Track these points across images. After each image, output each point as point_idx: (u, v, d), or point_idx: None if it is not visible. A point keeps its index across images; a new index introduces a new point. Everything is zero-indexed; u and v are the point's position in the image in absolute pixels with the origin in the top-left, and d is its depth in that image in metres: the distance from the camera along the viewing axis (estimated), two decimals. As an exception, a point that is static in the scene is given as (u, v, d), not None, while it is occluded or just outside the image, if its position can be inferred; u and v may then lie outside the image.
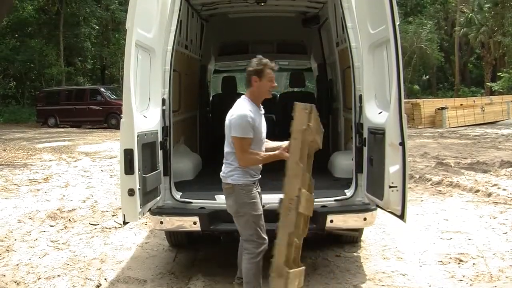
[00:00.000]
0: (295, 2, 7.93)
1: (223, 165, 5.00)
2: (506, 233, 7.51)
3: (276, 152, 4.82)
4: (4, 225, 8.28)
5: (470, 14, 44.60)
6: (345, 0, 5.90)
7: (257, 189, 4.98)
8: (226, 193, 4.98)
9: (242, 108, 4.80)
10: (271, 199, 5.44)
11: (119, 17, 39.71)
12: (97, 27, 41.99)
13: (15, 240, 7.59)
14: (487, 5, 43.13)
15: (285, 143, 4.86)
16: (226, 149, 4.96)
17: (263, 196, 5.29)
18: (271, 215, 4.94)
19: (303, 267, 4.73)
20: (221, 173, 5.00)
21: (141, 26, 5.03)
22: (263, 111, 5.02)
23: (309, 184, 4.68)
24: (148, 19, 5.29)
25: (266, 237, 4.93)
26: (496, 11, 41.10)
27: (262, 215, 4.93)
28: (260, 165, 4.98)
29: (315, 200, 5.68)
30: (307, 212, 4.62)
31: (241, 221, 4.93)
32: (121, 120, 4.85)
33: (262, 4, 7.79)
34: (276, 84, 4.98)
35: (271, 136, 5.23)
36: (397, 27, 4.68)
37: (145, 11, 5.08)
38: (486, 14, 43.26)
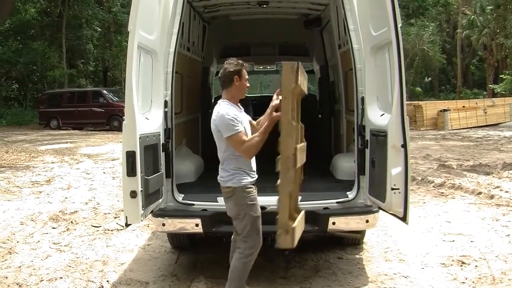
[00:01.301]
0: (297, 4, 7.94)
1: (220, 170, 5.03)
2: (508, 235, 7.49)
3: (267, 121, 4.77)
4: (6, 227, 8.29)
5: (472, 16, 44.58)
6: (347, 2, 5.90)
7: (255, 190, 5.02)
8: (226, 196, 5.02)
9: (222, 109, 4.88)
10: (272, 201, 5.45)
11: (121, 19, 39.85)
12: (99, 29, 42.11)
13: (17, 242, 7.60)
14: (489, 7, 43.12)
15: (273, 104, 4.82)
16: (220, 154, 5.02)
17: (264, 198, 5.31)
18: (272, 217, 4.94)
19: (303, 211, 4.85)
20: (219, 178, 5.04)
21: (143, 28, 5.03)
22: (242, 109, 5.14)
23: (301, 134, 4.78)
24: (150, 21, 5.30)
25: (261, 241, 5.00)
26: (498, 13, 41.06)
27: (260, 217, 4.99)
28: (254, 165, 5.03)
29: (318, 202, 5.71)
30: (302, 163, 4.71)
31: (241, 224, 4.97)
32: (123, 122, 4.86)
33: (264, 6, 7.80)
34: (249, 85, 5.17)
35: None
36: (399, 29, 4.68)
37: (147, 14, 5.08)
38: (488, 16, 43.23)
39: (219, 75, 5.21)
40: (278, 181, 4.49)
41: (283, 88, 4.49)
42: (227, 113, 4.82)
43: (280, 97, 4.51)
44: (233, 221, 5.07)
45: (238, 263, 4.98)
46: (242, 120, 4.94)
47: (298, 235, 4.61)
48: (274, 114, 4.70)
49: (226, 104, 4.96)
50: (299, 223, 4.65)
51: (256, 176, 5.05)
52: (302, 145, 4.75)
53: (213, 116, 4.92)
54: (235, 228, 5.10)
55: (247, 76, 5.09)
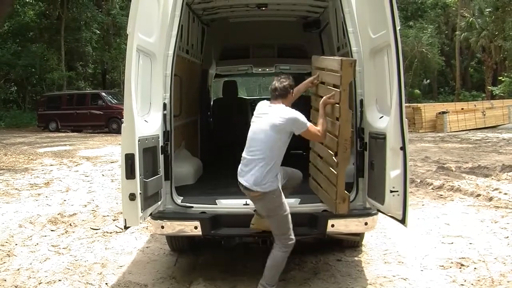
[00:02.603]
0: (296, 6, 7.94)
1: (249, 171, 5.28)
2: (507, 237, 7.50)
3: (325, 102, 5.43)
4: (5, 230, 8.28)
5: (471, 19, 44.60)
6: (346, 5, 5.90)
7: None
8: (255, 199, 5.36)
9: (289, 110, 5.35)
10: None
11: (120, 21, 39.80)
12: (98, 32, 42.12)
13: (16, 244, 7.59)
14: (487, 10, 43.12)
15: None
16: (257, 155, 5.27)
17: None
18: None
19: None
20: (244, 182, 5.29)
21: (142, 31, 5.03)
22: None
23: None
24: (149, 24, 5.30)
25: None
26: (497, 15, 41.06)
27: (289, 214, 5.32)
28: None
29: (317, 205, 5.72)
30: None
31: (273, 220, 5.31)
32: (122, 125, 4.86)
33: (263, 8, 7.80)
34: None
35: None
36: (398, 32, 4.69)
37: (146, 16, 5.08)
38: (487, 18, 43.24)
39: (271, 86, 5.62)
40: (336, 159, 5.22)
41: (343, 81, 5.16)
42: (296, 112, 5.31)
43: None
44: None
45: (282, 254, 5.34)
46: None
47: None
48: (330, 100, 5.37)
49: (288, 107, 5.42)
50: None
51: None
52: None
53: (280, 114, 5.26)
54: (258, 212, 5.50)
55: None
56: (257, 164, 5.23)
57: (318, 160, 5.99)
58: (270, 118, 5.28)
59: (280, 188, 5.30)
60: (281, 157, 5.33)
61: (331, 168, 5.41)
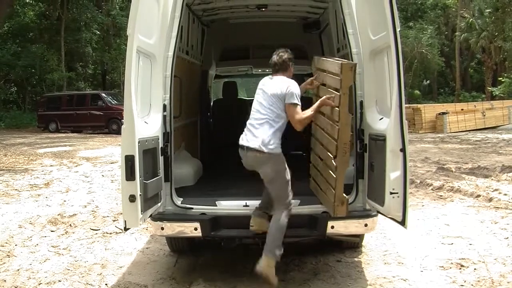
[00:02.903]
0: (296, 7, 7.94)
1: (254, 135, 5.52)
2: (507, 238, 7.50)
3: (322, 101, 5.52)
4: (4, 230, 8.28)
5: (471, 19, 44.62)
6: (346, 6, 5.90)
7: None
8: (259, 161, 5.48)
9: (293, 82, 5.62)
10: None
11: (120, 22, 39.83)
12: (98, 32, 42.15)
13: (15, 245, 7.60)
14: (487, 10, 43.14)
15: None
16: (262, 120, 5.55)
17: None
18: None
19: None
20: (250, 144, 5.50)
21: (142, 32, 5.04)
22: None
23: None
24: (149, 25, 5.30)
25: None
26: (497, 16, 41.08)
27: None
28: None
29: (317, 206, 5.72)
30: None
31: (277, 185, 5.49)
32: (122, 126, 4.86)
33: (263, 9, 7.81)
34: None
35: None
36: (398, 33, 4.69)
37: (146, 17, 5.09)
38: (487, 19, 43.26)
39: (270, 61, 5.88)
40: (335, 162, 5.26)
41: (343, 85, 5.19)
42: (297, 87, 5.58)
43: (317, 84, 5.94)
44: (266, 184, 5.57)
45: (284, 222, 5.43)
46: None
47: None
48: (330, 102, 5.38)
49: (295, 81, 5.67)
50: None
51: None
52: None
53: (280, 83, 5.59)
54: (267, 191, 5.65)
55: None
56: (262, 127, 5.49)
57: (318, 161, 6.01)
58: (271, 87, 5.60)
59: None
60: (283, 126, 5.56)
61: (330, 171, 5.44)
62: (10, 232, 8.18)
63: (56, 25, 40.02)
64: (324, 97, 5.53)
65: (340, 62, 5.34)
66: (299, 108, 5.46)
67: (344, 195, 5.33)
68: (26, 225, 8.61)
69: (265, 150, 5.39)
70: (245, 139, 5.56)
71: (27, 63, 38.17)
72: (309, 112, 5.54)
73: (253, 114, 5.64)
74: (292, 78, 5.73)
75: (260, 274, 5.32)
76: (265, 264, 5.33)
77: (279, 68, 5.75)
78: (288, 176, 5.52)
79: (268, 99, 5.56)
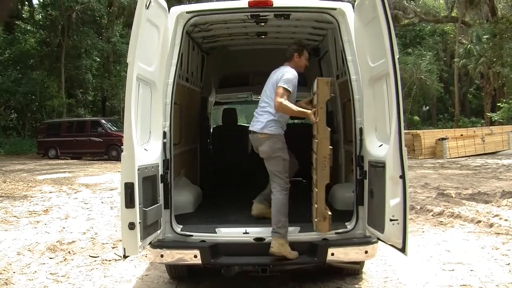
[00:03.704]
0: (296, 34, 8.00)
1: (258, 121, 6.10)
2: (508, 264, 7.46)
3: (307, 111, 5.90)
4: (3, 258, 8.24)
5: (469, 45, 44.91)
6: (345, 33, 5.95)
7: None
8: (261, 141, 6.05)
9: (294, 71, 6.07)
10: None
11: (120, 49, 40.03)
12: (98, 59, 42.32)
13: (14, 272, 7.55)
14: (485, 37, 43.42)
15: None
16: (264, 108, 6.11)
17: (263, 228, 5.49)
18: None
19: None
20: (254, 129, 6.11)
21: (142, 60, 5.07)
22: None
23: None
24: (149, 52, 5.34)
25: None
26: (495, 42, 41.32)
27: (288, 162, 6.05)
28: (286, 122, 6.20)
29: (315, 233, 5.71)
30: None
31: (273, 161, 5.99)
32: (122, 153, 4.86)
33: (263, 37, 7.87)
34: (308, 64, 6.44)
35: None
36: (396, 61, 4.71)
37: (146, 45, 5.12)
38: (485, 45, 43.52)
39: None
40: (315, 177, 5.57)
41: (320, 99, 5.50)
42: (292, 74, 6.01)
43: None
44: (265, 163, 6.07)
45: (281, 195, 5.88)
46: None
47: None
48: (312, 117, 5.72)
49: (294, 70, 6.12)
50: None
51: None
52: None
53: (282, 70, 6.12)
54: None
55: (308, 57, 6.41)
56: (264, 115, 6.05)
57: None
58: (272, 77, 6.19)
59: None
60: (284, 115, 6.07)
61: (314, 187, 5.76)
62: (8, 259, 8.14)
63: (57, 52, 40.24)
64: (311, 111, 5.81)
65: (317, 78, 5.79)
66: (284, 92, 5.83)
67: (327, 210, 5.49)
68: (25, 252, 8.56)
69: (265, 131, 5.98)
70: (251, 125, 6.18)
71: (28, 90, 38.33)
72: (291, 105, 5.87)
73: (259, 102, 6.25)
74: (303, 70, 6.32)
75: (274, 254, 5.58)
76: (276, 245, 5.56)
77: (285, 58, 6.28)
78: (286, 156, 5.99)
79: (269, 88, 6.13)
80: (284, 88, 5.83)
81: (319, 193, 5.50)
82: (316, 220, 5.53)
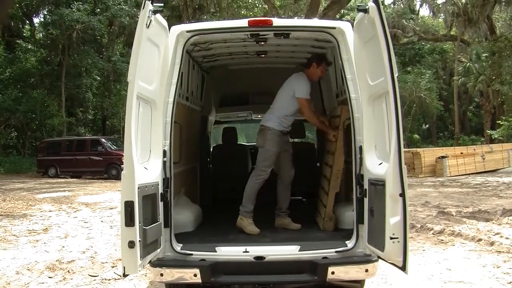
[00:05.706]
0: (295, 53, 8.02)
1: (273, 120, 6.87)
2: (510, 282, 7.44)
3: (328, 129, 6.85)
4: (1, 277, 8.21)
5: (468, 64, 45.15)
6: (344, 52, 5.96)
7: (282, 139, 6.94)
8: (261, 133, 6.88)
9: (307, 81, 6.85)
10: (271, 250, 5.51)
11: (120, 68, 40.12)
12: (98, 78, 42.51)
13: (13, 292, 7.53)
14: (484, 55, 43.65)
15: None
16: (273, 112, 6.96)
17: (263, 247, 5.52)
18: (271, 266, 5.43)
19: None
20: (263, 122, 6.97)
21: (142, 79, 5.08)
22: None
23: None
24: (150, 71, 5.35)
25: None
26: (494, 60, 41.51)
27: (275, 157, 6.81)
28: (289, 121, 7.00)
29: (317, 251, 5.68)
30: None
31: (263, 154, 6.79)
32: (122, 172, 4.85)
33: (263, 56, 7.89)
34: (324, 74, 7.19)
35: None
36: (396, 79, 4.73)
37: (146, 64, 5.13)
38: (484, 63, 43.73)
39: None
40: (329, 185, 6.58)
41: (341, 123, 6.48)
42: (308, 83, 6.83)
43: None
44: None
45: (254, 184, 6.77)
46: None
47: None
48: (331, 137, 6.73)
49: (307, 79, 6.89)
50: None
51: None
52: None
53: (296, 78, 6.93)
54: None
55: (326, 69, 7.11)
56: (271, 114, 6.93)
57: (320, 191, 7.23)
58: (289, 82, 6.93)
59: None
60: (289, 117, 6.91)
61: (324, 193, 6.77)
62: (7, 279, 8.11)
63: (57, 71, 40.38)
64: (331, 130, 6.77)
65: (341, 105, 6.65)
66: (308, 102, 6.86)
67: (334, 214, 6.53)
68: (24, 271, 8.53)
69: (264, 124, 6.84)
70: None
71: (28, 109, 38.44)
72: (318, 117, 7.08)
73: (273, 103, 7.05)
74: (314, 82, 7.23)
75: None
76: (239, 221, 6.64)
77: (304, 65, 7.01)
78: (274, 151, 6.75)
79: (282, 93, 6.95)
80: (307, 100, 6.79)
81: (330, 198, 6.52)
82: (324, 219, 6.54)
